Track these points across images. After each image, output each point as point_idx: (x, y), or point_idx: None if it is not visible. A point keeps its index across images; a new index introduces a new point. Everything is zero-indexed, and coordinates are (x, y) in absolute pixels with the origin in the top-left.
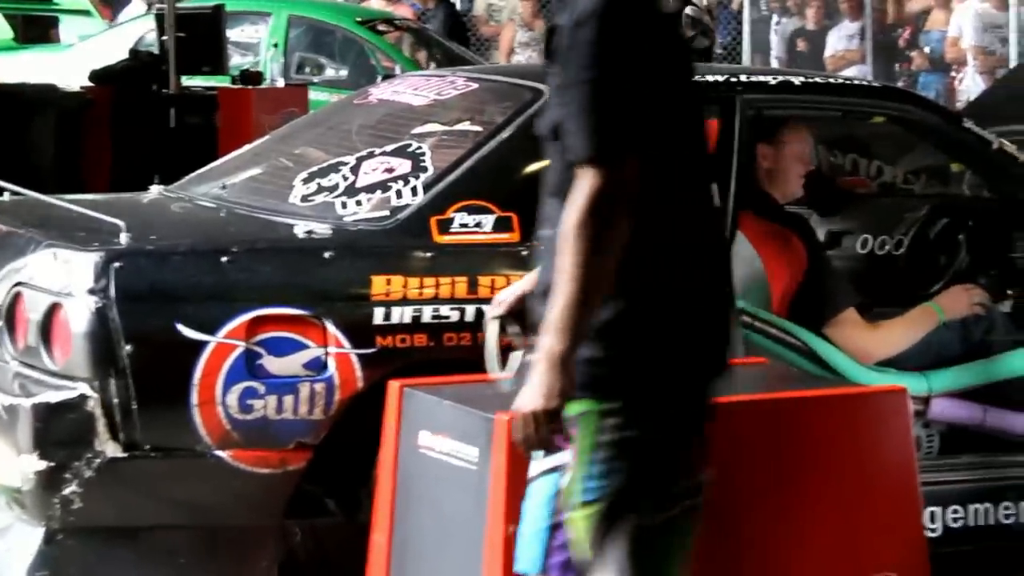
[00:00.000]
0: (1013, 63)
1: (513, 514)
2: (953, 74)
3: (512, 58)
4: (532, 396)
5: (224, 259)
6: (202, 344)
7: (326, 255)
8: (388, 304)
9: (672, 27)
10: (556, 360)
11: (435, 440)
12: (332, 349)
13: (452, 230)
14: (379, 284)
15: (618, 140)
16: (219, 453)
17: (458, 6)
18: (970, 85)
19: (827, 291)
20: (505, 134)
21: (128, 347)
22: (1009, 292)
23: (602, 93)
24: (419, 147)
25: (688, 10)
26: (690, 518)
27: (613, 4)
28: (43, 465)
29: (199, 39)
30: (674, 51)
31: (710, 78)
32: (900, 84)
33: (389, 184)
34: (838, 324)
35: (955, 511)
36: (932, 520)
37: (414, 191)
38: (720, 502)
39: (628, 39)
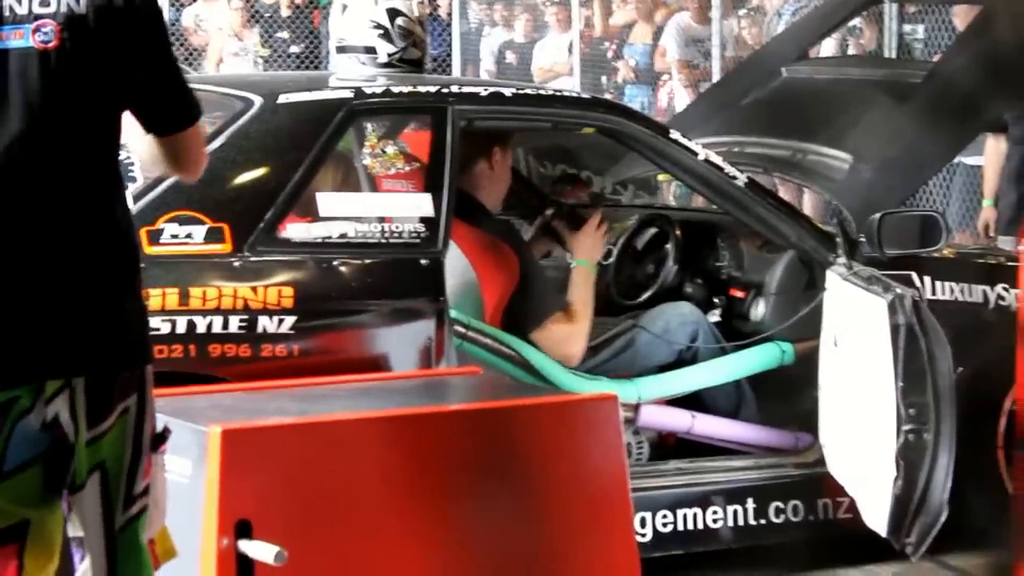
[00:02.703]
0: (716, 77)
1: (227, 527)
2: (657, 85)
3: (221, 68)
4: None
5: None
6: None
7: None
8: None
9: None
10: None
11: None
12: None
13: (162, 241)
14: None
15: None
16: None
17: (167, 15)
18: (674, 98)
19: (535, 300)
20: (216, 144)
21: None
22: (716, 301)
23: None
24: (128, 157)
25: (399, 20)
26: None
27: None
28: None
29: None
30: None
31: (421, 89)
32: (607, 96)
33: None
34: (544, 330)
35: (664, 516)
36: (643, 525)
37: None
38: (435, 509)
39: None
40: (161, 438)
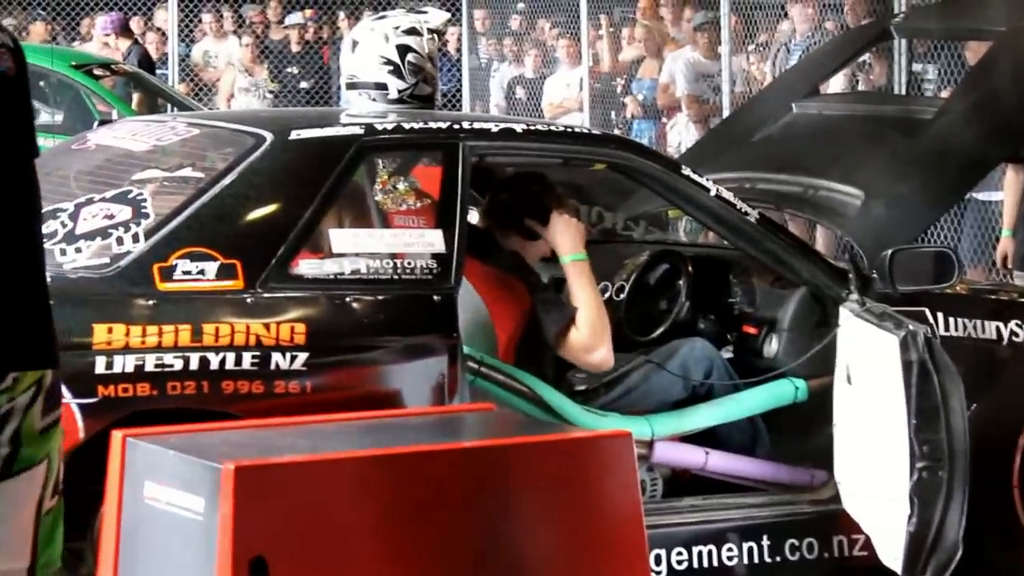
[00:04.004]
0: (727, 112)
1: (241, 565)
2: (665, 120)
3: (232, 103)
4: None
5: None
6: None
7: None
8: (110, 353)
9: None
10: None
11: (160, 491)
12: None
13: (175, 277)
14: (100, 333)
15: None
16: None
17: (177, 52)
18: (683, 133)
19: (549, 320)
20: (227, 180)
21: None
22: (728, 337)
23: None
24: (140, 193)
25: (410, 57)
26: None
27: None
28: None
29: None
30: None
31: (433, 125)
32: (616, 131)
33: (109, 231)
34: (562, 343)
35: (679, 553)
36: (657, 563)
37: (135, 238)
38: (449, 547)
39: None
40: None
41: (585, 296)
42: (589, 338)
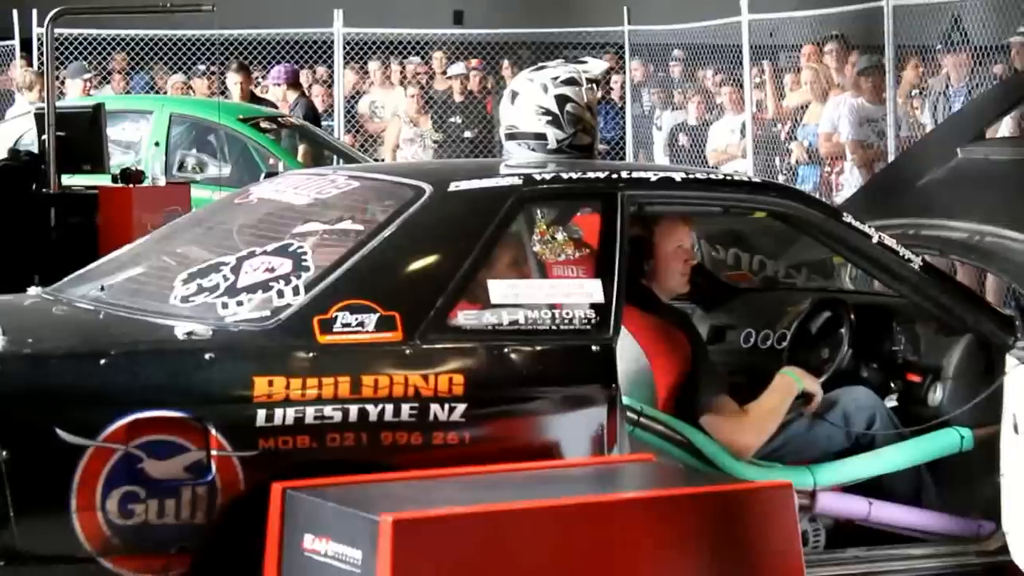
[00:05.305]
0: (891, 157)
1: None
2: (827, 168)
3: (398, 154)
4: None
5: (103, 362)
6: (81, 448)
7: (207, 356)
8: (270, 405)
9: None
10: None
11: (319, 543)
12: (214, 452)
13: (335, 330)
14: (261, 385)
15: None
16: (100, 560)
17: (343, 103)
18: (848, 178)
19: (702, 384)
20: (387, 232)
21: (4, 452)
22: (892, 385)
23: None
24: (300, 246)
25: (569, 107)
26: None
27: None
28: None
29: (79, 138)
30: None
31: (591, 175)
32: (780, 177)
33: (270, 284)
34: (712, 413)
35: None
36: None
37: (296, 291)
38: None
39: None
40: None
41: (771, 403)
42: (752, 425)
